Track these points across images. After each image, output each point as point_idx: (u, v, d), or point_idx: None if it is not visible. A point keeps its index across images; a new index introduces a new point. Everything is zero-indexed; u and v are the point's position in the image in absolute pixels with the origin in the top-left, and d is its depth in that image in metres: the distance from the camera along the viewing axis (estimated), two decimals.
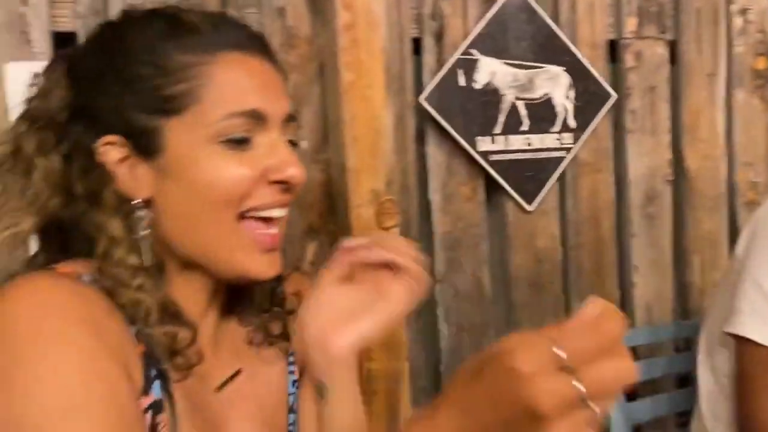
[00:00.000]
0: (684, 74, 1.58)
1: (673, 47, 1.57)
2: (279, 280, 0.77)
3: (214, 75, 0.67)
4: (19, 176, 0.69)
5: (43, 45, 1.10)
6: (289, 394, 0.78)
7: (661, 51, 1.56)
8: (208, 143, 0.66)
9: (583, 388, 0.45)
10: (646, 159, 1.55)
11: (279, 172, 0.67)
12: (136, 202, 0.67)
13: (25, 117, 0.71)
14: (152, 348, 0.65)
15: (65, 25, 1.13)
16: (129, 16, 0.71)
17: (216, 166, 0.66)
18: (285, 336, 0.78)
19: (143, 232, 0.67)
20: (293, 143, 0.71)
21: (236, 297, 0.75)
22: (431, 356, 1.40)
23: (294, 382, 0.79)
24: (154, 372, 0.65)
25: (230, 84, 0.67)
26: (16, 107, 1.03)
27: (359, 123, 1.20)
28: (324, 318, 0.67)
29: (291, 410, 0.78)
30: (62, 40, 1.11)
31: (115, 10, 1.12)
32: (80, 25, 1.12)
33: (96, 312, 0.62)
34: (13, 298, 0.61)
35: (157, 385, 0.65)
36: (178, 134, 0.66)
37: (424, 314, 1.39)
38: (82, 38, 1.10)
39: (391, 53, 1.30)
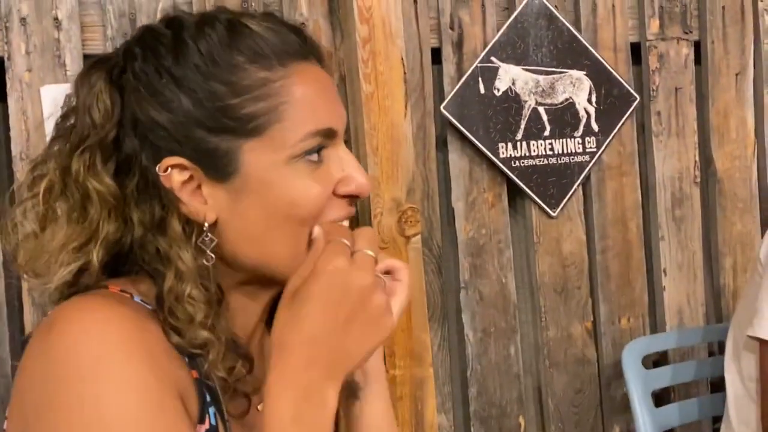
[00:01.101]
0: (710, 74, 1.56)
1: (698, 47, 1.56)
2: None
3: (293, 91, 0.64)
4: (71, 203, 0.64)
5: (75, 67, 1.15)
6: None
7: (686, 51, 1.54)
8: (288, 163, 0.64)
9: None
10: (673, 161, 1.54)
11: (349, 186, 0.66)
12: (205, 227, 0.63)
13: (64, 136, 0.65)
14: (206, 373, 0.64)
15: (96, 47, 1.17)
16: (180, 20, 0.66)
17: (297, 185, 0.64)
18: None
19: (212, 260, 0.64)
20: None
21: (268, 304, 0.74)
22: (457, 362, 1.41)
23: None
24: (208, 398, 0.64)
25: (308, 101, 0.65)
26: (51, 128, 1.07)
27: (379, 133, 1.23)
28: None
29: None
30: None
31: None
32: (110, 47, 1.17)
33: (152, 342, 0.61)
34: (69, 327, 0.59)
35: (211, 411, 0.65)
36: (256, 155, 0.63)
37: (450, 320, 1.40)
38: None
39: (411, 63, 1.32)
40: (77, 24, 1.15)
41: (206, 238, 0.64)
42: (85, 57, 1.15)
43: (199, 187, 0.64)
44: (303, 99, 0.64)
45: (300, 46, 0.66)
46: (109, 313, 0.60)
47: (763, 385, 1.03)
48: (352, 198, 0.68)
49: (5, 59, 1.12)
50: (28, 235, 0.65)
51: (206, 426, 0.64)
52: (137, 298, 0.64)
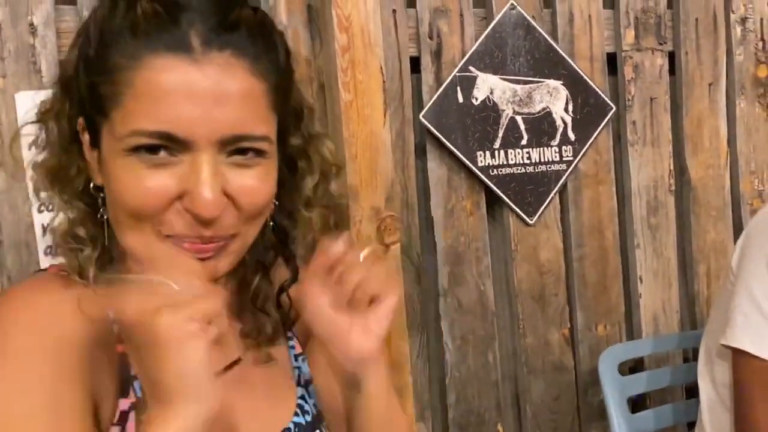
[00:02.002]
0: (684, 84, 1.58)
1: (672, 58, 1.58)
2: (281, 288, 0.78)
3: (137, 83, 0.60)
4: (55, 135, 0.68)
5: (51, 74, 1.13)
6: (294, 368, 0.79)
7: (661, 62, 1.57)
8: (124, 153, 0.62)
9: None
10: (648, 170, 1.56)
11: (187, 201, 0.62)
12: (91, 186, 0.68)
13: (59, 80, 0.69)
14: None
15: None
16: None
17: (125, 178, 0.62)
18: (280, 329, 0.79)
19: (103, 217, 0.67)
20: (246, 165, 0.64)
21: (234, 292, 0.76)
22: (437, 370, 1.41)
23: (296, 356, 0.80)
24: (133, 371, 0.66)
25: (150, 98, 0.60)
26: (27, 135, 1.07)
27: (358, 141, 1.23)
28: (333, 328, 0.68)
29: (298, 383, 0.79)
30: None
31: None
32: None
33: (65, 330, 0.64)
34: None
35: (137, 384, 0.66)
36: (106, 136, 0.64)
37: (429, 328, 1.40)
38: None
39: (390, 72, 1.32)
40: (53, 30, 1.14)
41: (100, 196, 0.67)
42: (61, 63, 1.14)
43: (92, 152, 0.67)
44: (144, 94, 0.60)
45: (185, 36, 0.60)
46: (31, 294, 0.66)
47: (735, 392, 1.04)
48: (198, 217, 0.62)
49: None
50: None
51: (131, 399, 0.66)
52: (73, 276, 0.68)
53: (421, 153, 1.40)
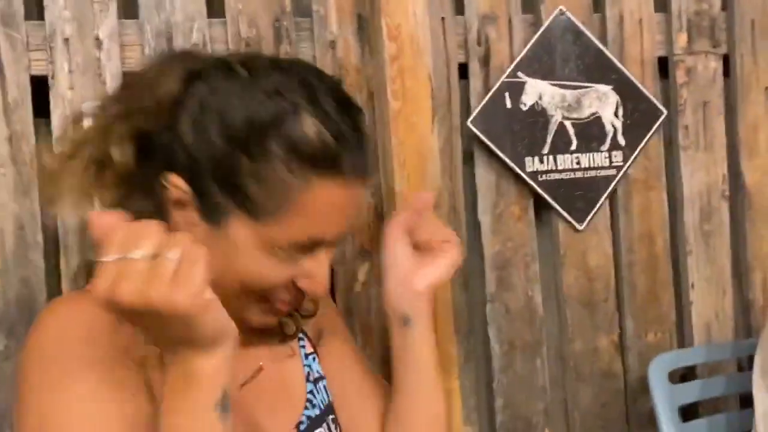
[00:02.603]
0: (739, 88, 1.55)
1: (726, 61, 1.55)
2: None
3: (304, 204, 0.67)
4: (93, 158, 0.69)
5: (115, 84, 1.19)
6: (304, 365, 0.85)
7: (714, 65, 1.54)
8: (260, 247, 0.68)
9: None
10: (701, 175, 1.53)
11: (306, 286, 0.73)
12: None
13: (118, 100, 0.71)
14: None
15: (134, 65, 1.21)
16: (257, 68, 0.68)
17: (263, 265, 0.69)
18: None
19: None
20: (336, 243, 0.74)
21: None
22: (483, 375, 1.42)
23: (307, 355, 0.86)
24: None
25: (314, 216, 0.68)
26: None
27: (406, 148, 1.25)
28: (404, 263, 0.85)
29: (307, 379, 0.85)
30: None
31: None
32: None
33: (109, 339, 0.67)
34: (40, 326, 0.69)
35: None
36: (242, 226, 0.68)
37: (476, 333, 1.41)
38: None
39: (438, 79, 1.34)
40: (117, 43, 1.19)
41: None
42: (124, 75, 1.20)
43: (187, 209, 0.69)
44: (310, 213, 0.68)
45: (336, 158, 0.68)
46: (72, 306, 0.70)
47: None
48: (314, 295, 0.76)
49: (49, 78, 1.16)
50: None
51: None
52: None
53: (468, 159, 1.41)
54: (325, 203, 0.68)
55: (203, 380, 0.59)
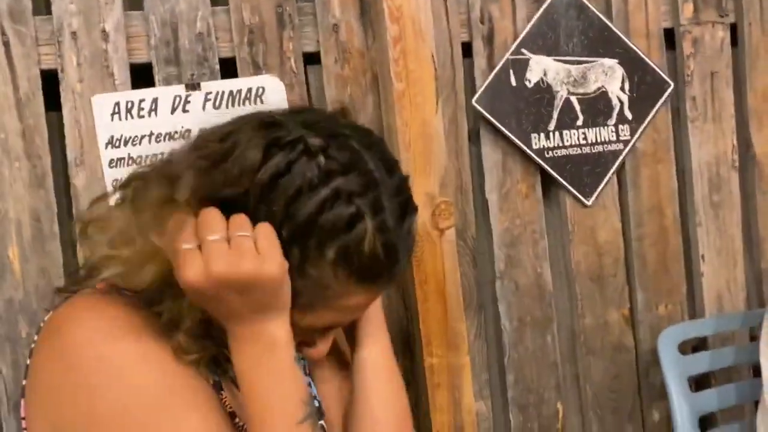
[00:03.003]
0: (748, 57, 1.54)
1: (734, 30, 1.54)
2: None
3: (339, 302, 0.71)
4: (156, 219, 0.69)
5: (122, 77, 1.21)
6: (299, 358, 0.87)
7: (722, 35, 1.52)
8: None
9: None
10: (710, 146, 1.53)
11: (307, 353, 0.78)
12: None
13: (204, 153, 0.70)
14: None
15: (141, 56, 1.23)
16: (329, 171, 0.68)
17: None
18: None
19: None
20: None
21: None
22: (494, 351, 1.44)
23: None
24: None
25: (342, 310, 0.72)
26: (103, 136, 1.15)
27: (411, 129, 1.26)
28: None
29: (305, 372, 0.88)
30: (137, 70, 1.22)
31: (183, 41, 1.22)
32: (153, 55, 1.23)
33: (148, 324, 0.70)
34: (77, 326, 0.69)
35: (212, 367, 0.74)
36: None
37: (486, 310, 1.43)
38: (156, 67, 1.22)
39: (442, 59, 1.34)
40: (123, 35, 1.21)
41: None
42: (131, 66, 1.22)
43: None
44: (336, 309, 0.72)
45: (381, 273, 0.71)
46: (105, 302, 0.71)
47: None
48: (310, 359, 0.81)
49: (59, 71, 1.19)
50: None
51: (210, 383, 0.74)
52: (124, 290, 0.73)
53: (475, 138, 1.42)
54: (354, 304, 0.72)
55: (282, 344, 0.68)
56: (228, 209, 0.67)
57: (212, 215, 0.66)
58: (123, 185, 0.76)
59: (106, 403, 0.66)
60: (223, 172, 0.68)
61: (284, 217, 0.67)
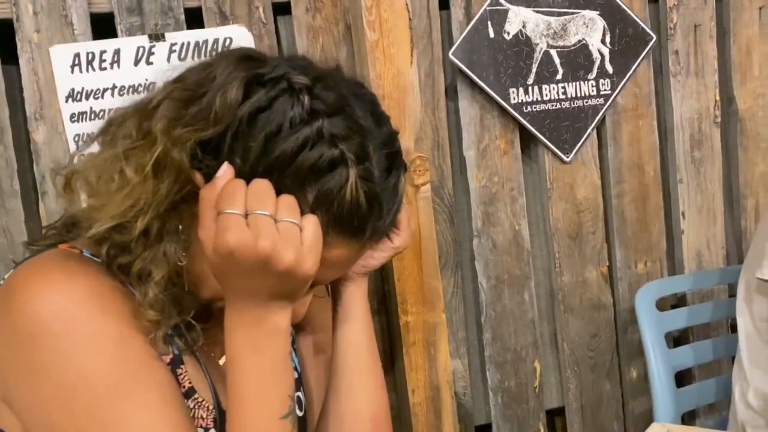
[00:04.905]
0: (732, 9, 1.50)
1: None
2: None
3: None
4: (143, 162, 0.66)
5: (82, 27, 1.16)
6: None
7: None
8: None
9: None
10: (692, 101, 1.50)
11: None
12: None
13: (182, 86, 0.67)
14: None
15: (102, 6, 1.18)
16: (317, 110, 0.65)
17: None
18: None
19: (184, 261, 0.69)
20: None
21: None
22: (472, 309, 1.43)
23: None
24: (170, 330, 0.70)
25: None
26: (63, 89, 1.09)
27: (385, 81, 1.22)
28: None
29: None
30: (98, 20, 1.17)
31: None
32: (115, 4, 1.17)
33: (108, 290, 0.67)
34: (29, 291, 0.63)
35: (174, 340, 0.71)
36: None
37: (464, 268, 1.41)
38: (118, 17, 1.17)
39: (418, 9, 1.30)
40: None
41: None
42: (92, 15, 1.16)
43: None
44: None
45: (362, 224, 0.67)
46: (64, 272, 0.65)
47: None
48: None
49: (14, 21, 1.13)
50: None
51: (170, 356, 0.71)
52: (86, 253, 0.69)
53: (452, 93, 1.38)
54: (334, 258, 0.68)
55: (283, 332, 0.66)
56: (205, 146, 0.65)
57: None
58: (103, 130, 0.72)
59: (52, 383, 0.63)
60: (200, 106, 0.65)
61: (261, 154, 0.63)
